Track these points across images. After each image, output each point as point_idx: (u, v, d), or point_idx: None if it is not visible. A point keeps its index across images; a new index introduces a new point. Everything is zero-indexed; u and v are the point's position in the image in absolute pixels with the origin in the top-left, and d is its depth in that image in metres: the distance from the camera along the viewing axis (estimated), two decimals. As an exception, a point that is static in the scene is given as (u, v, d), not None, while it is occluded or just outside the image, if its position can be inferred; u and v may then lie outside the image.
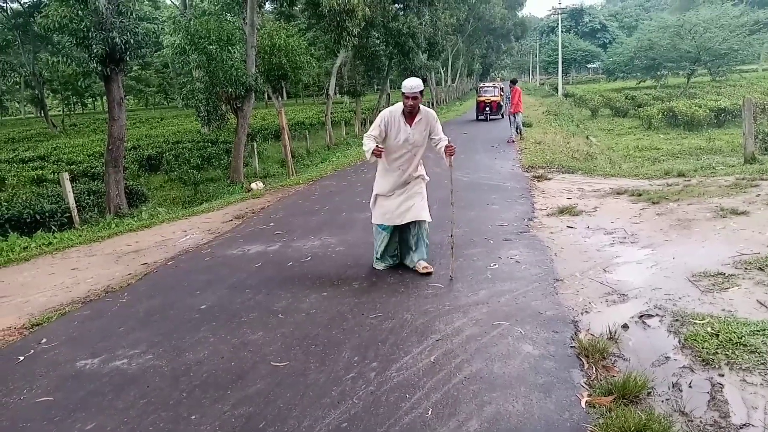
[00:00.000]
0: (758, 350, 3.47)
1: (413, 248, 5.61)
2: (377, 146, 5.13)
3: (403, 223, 5.43)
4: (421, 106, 5.26)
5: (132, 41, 11.13)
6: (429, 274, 5.41)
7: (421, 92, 5.15)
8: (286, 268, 6.19)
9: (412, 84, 5.10)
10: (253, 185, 13.32)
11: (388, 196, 5.45)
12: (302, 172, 15.87)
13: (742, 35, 38.80)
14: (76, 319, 5.13)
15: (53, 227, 10.42)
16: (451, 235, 5.26)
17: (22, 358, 4.35)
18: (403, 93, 5.14)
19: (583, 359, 3.58)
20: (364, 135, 5.41)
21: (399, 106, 5.26)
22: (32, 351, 4.45)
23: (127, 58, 11.61)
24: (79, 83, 48.80)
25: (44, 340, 4.64)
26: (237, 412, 3.28)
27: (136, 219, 10.69)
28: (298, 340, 4.25)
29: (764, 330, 3.71)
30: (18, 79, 48.17)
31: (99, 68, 11.29)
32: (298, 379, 3.64)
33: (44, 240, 9.06)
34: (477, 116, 27.41)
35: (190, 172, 17.19)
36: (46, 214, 10.64)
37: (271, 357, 3.98)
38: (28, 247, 8.64)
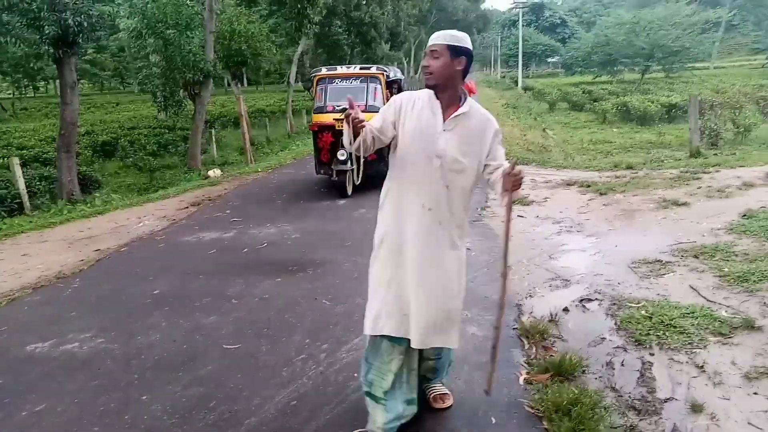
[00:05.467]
0: (687, 331, 3.71)
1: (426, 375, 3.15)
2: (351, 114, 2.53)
3: (425, 346, 2.78)
4: (472, 101, 2.74)
5: (86, 23, 10.84)
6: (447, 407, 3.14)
7: (453, 51, 2.61)
8: (241, 255, 6.22)
9: (436, 34, 2.70)
10: (210, 172, 13.19)
11: (397, 259, 2.77)
12: (261, 160, 15.77)
13: (694, 34, 40.00)
14: (27, 304, 5.07)
15: (2, 213, 10.14)
16: (496, 327, 2.81)
17: (-31, 342, 4.30)
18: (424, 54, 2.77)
19: (524, 340, 3.76)
20: None
21: (427, 91, 2.75)
22: (-20, 336, 4.40)
23: (81, 41, 11.31)
24: (30, 66, 47.10)
25: (-8, 325, 4.59)
26: (188, 393, 3.34)
27: (89, 205, 10.48)
28: (251, 324, 4.31)
29: (693, 312, 3.96)
30: (-36, 61, 46.25)
31: (51, 50, 10.99)
32: (249, 361, 3.72)
33: (-8, 226, 8.84)
34: (317, 168, 9.66)
35: (146, 158, 16.87)
36: (-5, 200, 10.34)
37: (223, 340, 4.04)
38: (-25, 232, 8.41)
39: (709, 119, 13.25)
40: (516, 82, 49.77)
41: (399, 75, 11.13)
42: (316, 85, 9.78)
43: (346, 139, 2.62)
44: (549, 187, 8.80)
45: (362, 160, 2.68)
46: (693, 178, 8.31)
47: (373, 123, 2.68)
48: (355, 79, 9.51)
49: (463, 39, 2.65)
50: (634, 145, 16.14)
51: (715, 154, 11.11)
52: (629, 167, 10.02)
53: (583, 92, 31.64)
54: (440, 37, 2.64)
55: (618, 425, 2.84)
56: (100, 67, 62.25)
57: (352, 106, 2.50)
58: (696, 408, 2.93)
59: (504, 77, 69.35)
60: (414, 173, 2.69)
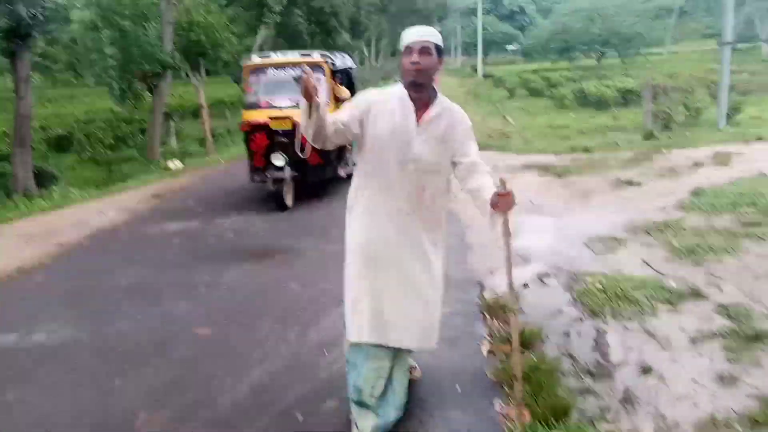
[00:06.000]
0: (638, 301, 3.93)
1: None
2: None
3: (404, 345, 2.73)
4: (441, 96, 2.66)
5: (40, 15, 10.59)
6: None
7: (438, 50, 2.57)
8: (207, 244, 6.25)
9: (420, 30, 2.60)
10: (170, 164, 13.02)
11: (376, 264, 2.63)
12: (223, 150, 15.63)
13: (648, 20, 41.03)
14: (-11, 299, 5.02)
15: (-45, 211, 9.87)
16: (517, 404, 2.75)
17: (-68, 338, 4.25)
18: (405, 48, 2.57)
19: (486, 314, 3.92)
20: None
21: (399, 89, 2.64)
22: (-57, 331, 4.35)
23: (35, 34, 11.03)
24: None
25: (-45, 320, 4.54)
26: (162, 378, 3.40)
27: (46, 200, 10.28)
28: (221, 310, 4.38)
29: (645, 284, 4.19)
30: None
31: (3, 44, 10.69)
32: (221, 345, 3.80)
33: (-54, 223, 8.60)
34: (251, 175, 8.02)
35: (104, 151, 16.61)
36: (-54, 198, 10.07)
37: (193, 327, 4.10)
38: (-72, 230, 8.18)
39: (662, 103, 13.68)
40: (476, 70, 50.19)
41: (348, 63, 9.59)
42: (248, 76, 8.23)
43: (303, 121, 2.42)
44: (509, 171, 9.00)
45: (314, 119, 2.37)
46: (646, 159, 8.63)
47: (339, 115, 2.55)
48: (293, 69, 7.75)
49: (440, 37, 2.62)
50: (590, 129, 16.49)
51: (668, 137, 11.51)
52: (586, 150, 10.30)
53: (542, 78, 32.11)
54: (428, 34, 2.55)
55: (574, 388, 3.02)
56: (52, 60, 60.38)
57: (309, 74, 2.28)
58: (646, 370, 3.13)
59: (464, 66, 69.81)
60: (388, 178, 2.58)
